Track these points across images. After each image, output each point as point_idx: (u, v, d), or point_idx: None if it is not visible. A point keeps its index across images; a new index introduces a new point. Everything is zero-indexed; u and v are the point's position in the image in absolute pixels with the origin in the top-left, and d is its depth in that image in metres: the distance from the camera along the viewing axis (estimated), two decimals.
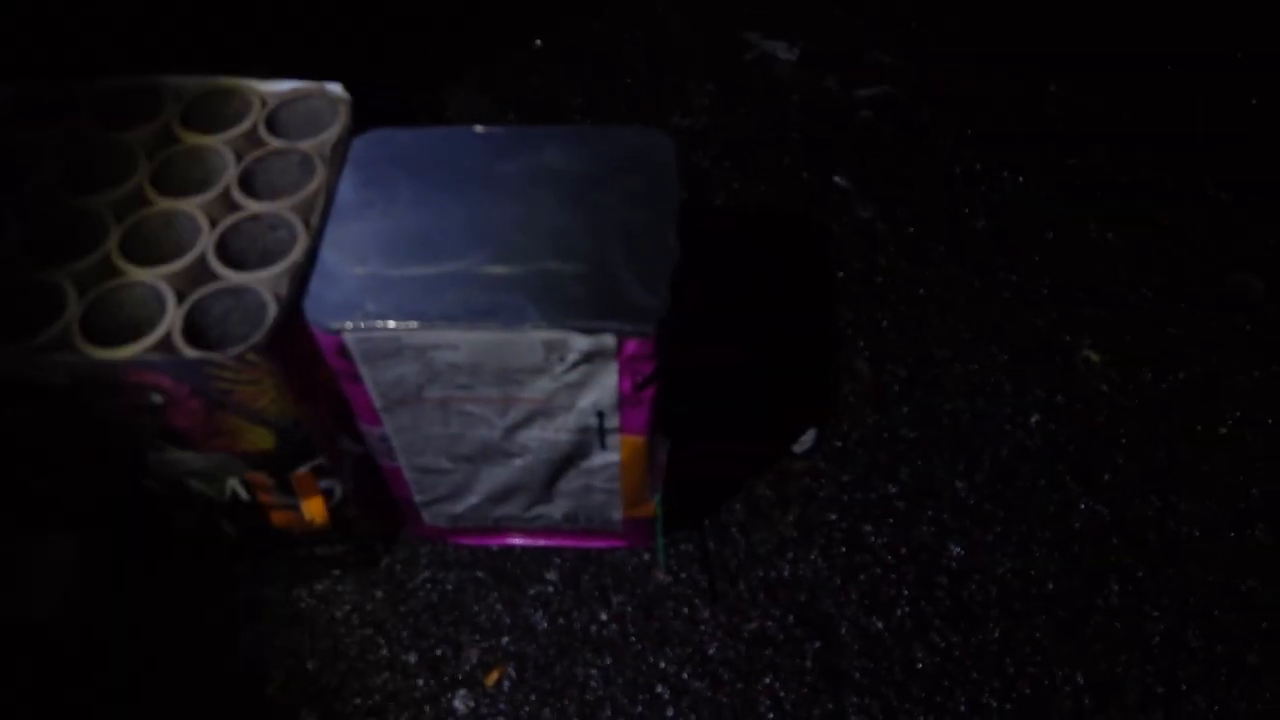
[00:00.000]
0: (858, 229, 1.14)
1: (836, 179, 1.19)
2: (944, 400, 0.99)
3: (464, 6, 1.40)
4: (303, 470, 0.73)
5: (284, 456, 0.71)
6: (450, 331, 0.64)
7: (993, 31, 1.37)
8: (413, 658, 0.84)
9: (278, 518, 0.78)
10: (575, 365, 0.66)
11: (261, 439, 0.69)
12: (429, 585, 0.88)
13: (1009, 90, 1.29)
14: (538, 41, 1.36)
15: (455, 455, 0.77)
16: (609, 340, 0.64)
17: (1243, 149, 1.21)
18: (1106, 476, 0.94)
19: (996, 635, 0.84)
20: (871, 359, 1.02)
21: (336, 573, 0.88)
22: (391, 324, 0.64)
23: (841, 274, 1.10)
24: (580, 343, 0.64)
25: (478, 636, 0.85)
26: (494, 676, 0.83)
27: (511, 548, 0.90)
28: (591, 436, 0.74)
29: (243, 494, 0.75)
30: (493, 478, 0.79)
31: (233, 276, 0.65)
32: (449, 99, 1.29)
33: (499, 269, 0.66)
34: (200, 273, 0.66)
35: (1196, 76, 1.30)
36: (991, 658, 0.83)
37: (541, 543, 0.89)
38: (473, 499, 0.82)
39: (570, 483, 0.80)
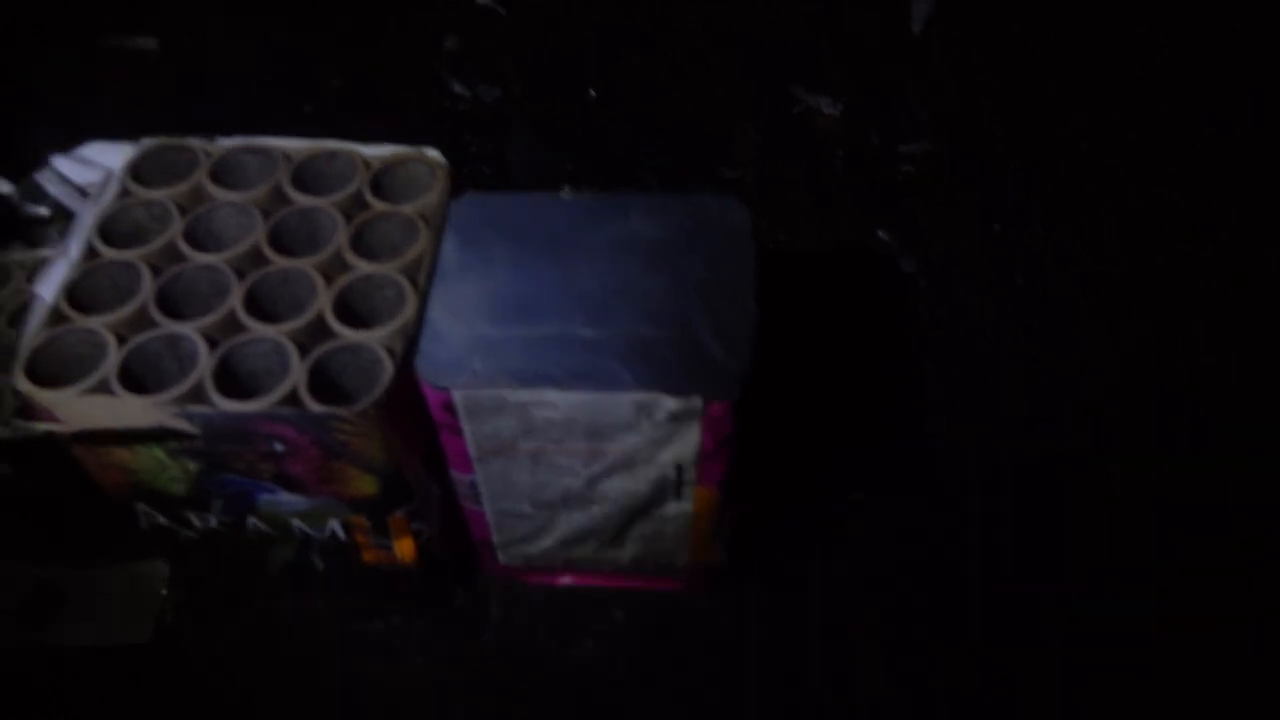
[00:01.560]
0: (901, 283, 1.19)
1: (880, 233, 1.24)
2: (990, 453, 1.04)
3: (521, 57, 1.46)
4: (399, 513, 0.78)
5: (384, 501, 0.76)
6: (551, 391, 0.69)
7: (1030, 90, 1.42)
8: (485, 693, 0.88)
9: (369, 555, 0.83)
10: (661, 424, 0.71)
11: (367, 485, 0.73)
12: (500, 623, 0.93)
13: (1046, 146, 1.34)
14: (592, 92, 1.42)
15: (538, 501, 0.82)
16: (696, 402, 0.69)
17: None
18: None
19: (1061, 670, 0.88)
20: (917, 412, 1.07)
21: (414, 608, 0.92)
22: (497, 383, 0.69)
23: (885, 327, 1.15)
24: (669, 404, 0.69)
25: (544, 672, 0.89)
26: (561, 715, 0.87)
27: (578, 587, 0.95)
28: (668, 487, 0.79)
29: (340, 534, 0.80)
30: (570, 523, 0.84)
31: (350, 334, 0.70)
32: (505, 143, 1.34)
33: (593, 332, 0.71)
34: (318, 329, 0.71)
35: (1235, 128, 1.35)
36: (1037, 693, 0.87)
37: (607, 583, 0.94)
38: (548, 542, 0.87)
39: (642, 529, 0.85)
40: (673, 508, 0.81)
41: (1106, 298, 1.17)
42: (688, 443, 0.73)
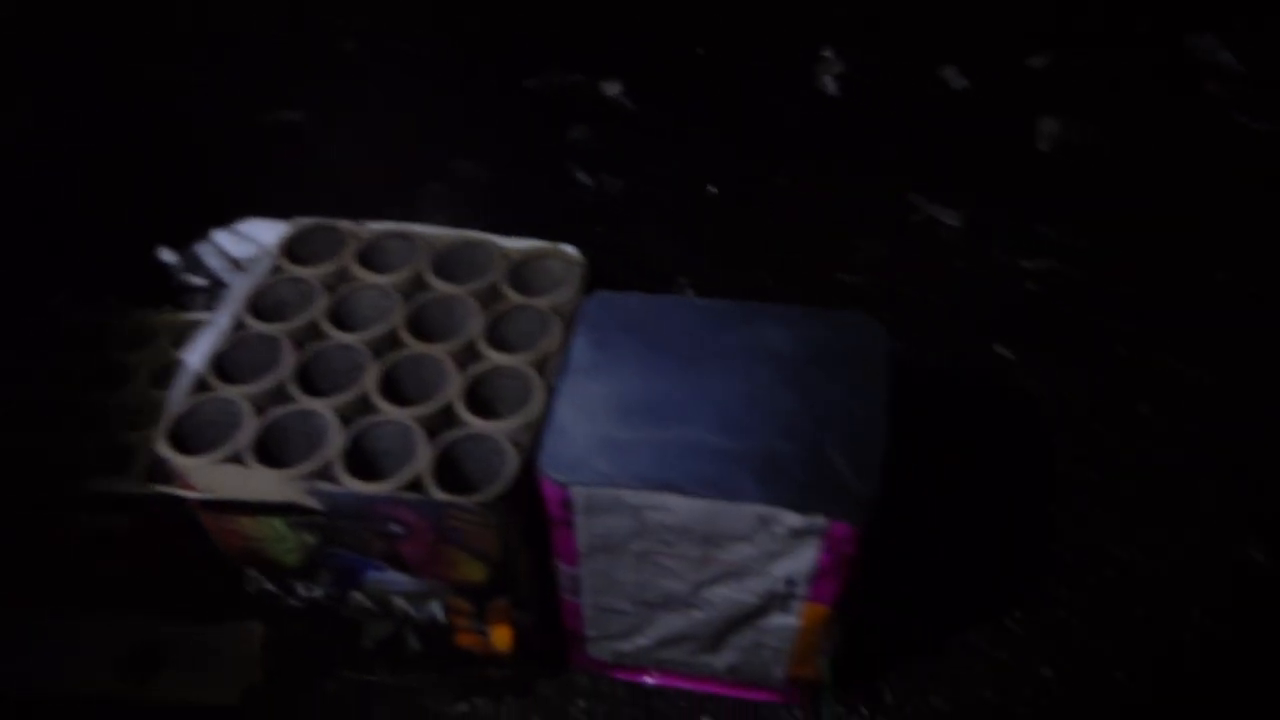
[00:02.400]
0: (1023, 405, 1.16)
1: (999, 349, 1.21)
2: (1110, 589, 0.99)
3: (641, 149, 1.50)
4: (501, 601, 0.77)
5: (489, 588, 0.76)
6: (671, 497, 0.68)
7: (1163, 212, 1.39)
8: None
9: (463, 639, 0.83)
10: (781, 538, 0.70)
11: (475, 572, 0.74)
12: (584, 717, 0.91)
13: (1177, 275, 1.30)
14: (711, 188, 1.44)
15: (638, 600, 0.81)
16: (820, 521, 0.68)
17: None
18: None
19: None
20: (1037, 536, 1.03)
21: (500, 693, 0.91)
22: (619, 484, 0.68)
23: (1003, 451, 1.11)
24: (792, 520, 0.68)
25: None
26: None
27: (667, 689, 0.92)
28: (776, 601, 0.77)
29: (440, 616, 0.80)
30: (668, 624, 0.83)
31: (478, 424, 0.71)
32: (628, 232, 1.37)
33: (720, 441, 0.70)
34: (446, 416, 0.73)
35: None
36: None
37: (697, 688, 0.92)
38: (643, 641, 0.86)
39: (743, 638, 0.82)
40: (778, 619, 0.79)
41: (1239, 430, 1.12)
42: (804, 559, 0.72)
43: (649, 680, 0.92)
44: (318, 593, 0.80)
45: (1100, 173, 1.45)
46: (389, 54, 1.66)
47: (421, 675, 0.92)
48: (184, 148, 1.36)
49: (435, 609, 0.79)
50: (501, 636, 0.82)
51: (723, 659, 0.86)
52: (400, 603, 0.79)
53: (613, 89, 1.60)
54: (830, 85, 1.60)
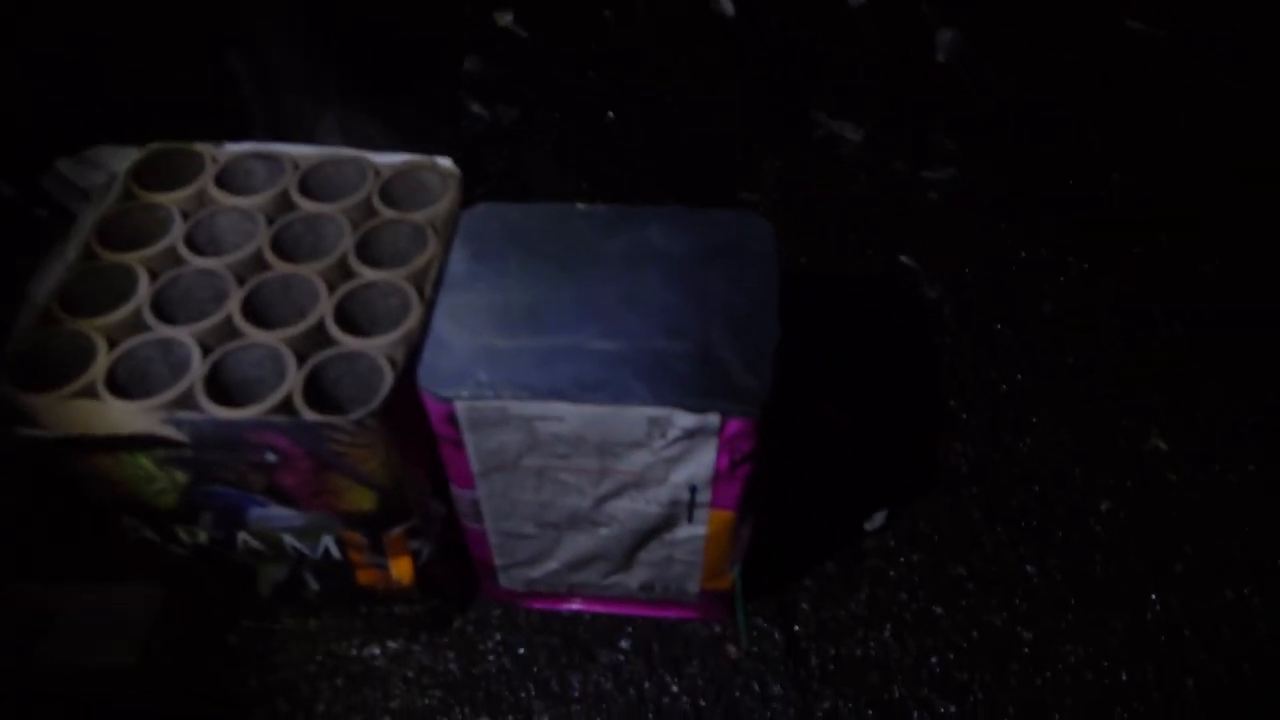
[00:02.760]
0: (925, 309, 1.16)
1: (903, 259, 1.21)
2: (1013, 484, 1.00)
3: (538, 79, 1.45)
4: (396, 531, 0.74)
5: (381, 517, 0.72)
6: (559, 404, 0.66)
7: (1059, 120, 1.39)
8: None
9: (364, 576, 0.80)
10: (675, 441, 0.68)
11: (363, 500, 0.70)
12: (501, 649, 0.89)
13: (1074, 176, 1.31)
14: (610, 114, 1.40)
15: (542, 521, 0.78)
16: (713, 419, 0.66)
17: None
18: (1178, 567, 0.93)
19: None
20: (940, 440, 1.03)
21: (410, 632, 0.88)
22: (502, 395, 0.65)
23: (909, 354, 1.11)
24: (684, 420, 0.66)
25: (548, 703, 0.85)
26: None
27: (583, 614, 0.90)
28: (680, 510, 0.75)
29: (335, 552, 0.76)
30: (576, 545, 0.81)
31: (350, 341, 0.68)
32: (523, 163, 1.33)
33: (606, 344, 0.68)
34: (318, 336, 0.68)
35: (1267, 168, 1.32)
36: None
37: (614, 610, 0.90)
38: (553, 565, 0.83)
39: (652, 553, 0.81)
40: (684, 530, 0.78)
41: (1138, 331, 1.13)
42: (702, 463, 0.70)
43: (565, 607, 0.90)
44: (202, 537, 0.76)
45: (998, 81, 1.45)
46: None
47: (326, 619, 0.88)
48: (22, 70, 1.25)
49: (329, 544, 0.76)
50: (402, 569, 0.79)
51: (635, 577, 0.85)
52: (291, 541, 0.76)
53: (505, 18, 1.54)
54: (728, 6, 1.56)
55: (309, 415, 0.63)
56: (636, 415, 0.66)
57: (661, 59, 1.49)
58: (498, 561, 0.84)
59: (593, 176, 1.32)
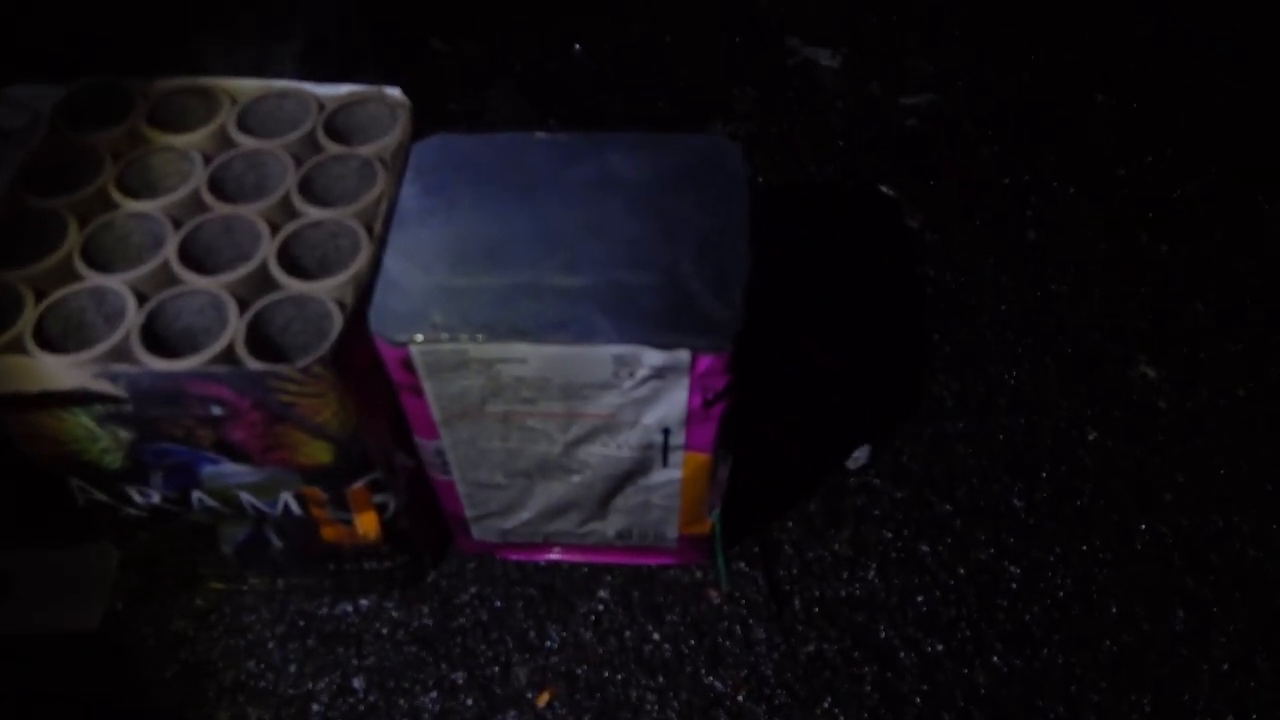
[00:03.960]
0: (906, 239, 1.12)
1: (883, 188, 1.17)
2: (998, 415, 0.97)
3: (502, 9, 1.38)
4: (358, 485, 0.71)
5: (341, 471, 0.69)
6: (519, 345, 0.62)
7: (1039, 40, 1.35)
8: (461, 677, 0.82)
9: (329, 532, 0.77)
10: (645, 380, 0.64)
11: (320, 453, 0.67)
12: (477, 602, 0.86)
13: (1056, 99, 1.27)
14: (577, 46, 1.34)
15: (512, 470, 0.75)
16: (683, 356, 0.62)
17: None
18: (1167, 496, 0.91)
19: (1060, 660, 0.82)
20: (923, 372, 1.00)
21: (383, 588, 0.86)
22: (459, 337, 0.62)
23: (890, 285, 1.08)
24: (652, 358, 0.62)
25: (527, 655, 0.83)
26: (545, 697, 0.80)
27: (561, 563, 0.88)
28: (654, 453, 0.72)
29: (295, 508, 0.73)
30: (548, 493, 0.78)
31: (296, 285, 0.63)
32: (488, 101, 1.27)
33: (569, 279, 0.64)
34: (261, 281, 0.64)
35: (1257, 85, 1.28)
36: (1055, 683, 0.80)
37: (592, 559, 0.87)
38: (526, 514, 0.80)
39: (627, 499, 0.78)
40: (659, 474, 0.75)
41: (1123, 255, 1.10)
42: (675, 403, 0.66)
43: (542, 557, 0.88)
44: (155, 497, 0.73)
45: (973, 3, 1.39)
46: None
47: (294, 578, 0.85)
48: None
49: (288, 500, 0.72)
50: (368, 524, 0.76)
51: (612, 524, 0.82)
52: (249, 498, 0.72)
53: None
54: None
55: (253, 364, 0.59)
56: (602, 354, 0.62)
57: None
58: (469, 513, 0.81)
59: (560, 113, 1.26)
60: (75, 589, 0.87)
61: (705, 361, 0.63)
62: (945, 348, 1.02)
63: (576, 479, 0.75)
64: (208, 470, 0.69)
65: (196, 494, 0.72)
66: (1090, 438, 0.96)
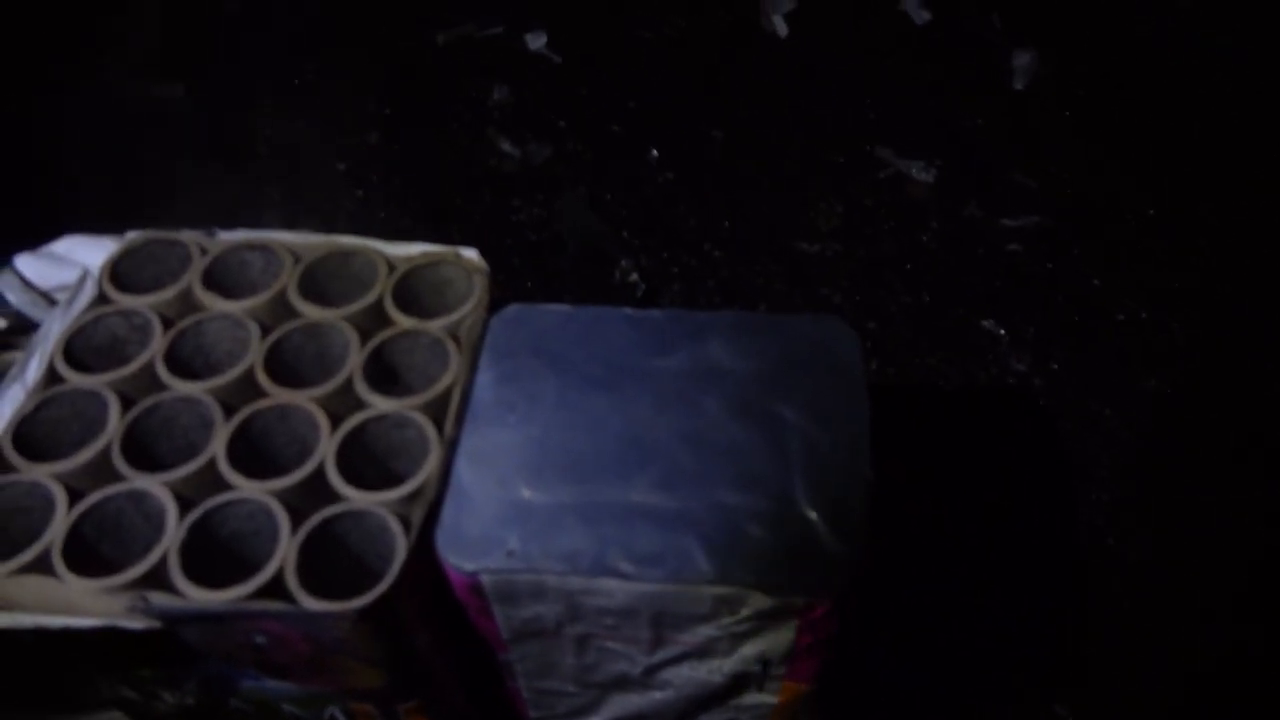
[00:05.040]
0: (1012, 384, 1.02)
1: (985, 323, 1.07)
2: (1120, 598, 0.87)
3: (577, 111, 1.32)
4: (413, 703, 0.63)
5: (394, 692, 0.61)
6: (606, 580, 0.54)
7: (1153, 154, 1.25)
8: None
9: None
10: (747, 619, 0.56)
11: (371, 678, 0.59)
12: None
13: (1178, 220, 1.16)
14: (654, 152, 1.27)
15: (585, 683, 0.66)
16: (795, 601, 0.53)
17: None
18: None
19: None
20: (1039, 550, 0.90)
21: None
22: (537, 568, 0.54)
23: (997, 441, 0.98)
24: (759, 602, 0.54)
25: None
26: None
27: None
28: (749, 681, 0.63)
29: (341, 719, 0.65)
30: (624, 704, 0.69)
31: (356, 497, 0.56)
32: (556, 211, 1.20)
33: (663, 498, 0.56)
34: (318, 486, 0.57)
35: None
36: None
37: None
38: None
39: (713, 716, 0.69)
40: (752, 698, 0.65)
41: (1259, 411, 0.99)
42: (779, 641, 0.57)
43: None
44: (189, 700, 0.65)
45: (1086, 110, 1.30)
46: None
47: None
48: None
49: (335, 713, 0.65)
50: None
51: None
52: (291, 709, 0.64)
53: (537, 42, 1.42)
54: (780, 26, 1.43)
55: (306, 601, 0.52)
56: (702, 594, 0.54)
57: (707, 86, 1.36)
58: (532, 714, 0.73)
59: (632, 224, 1.19)
60: None
61: (820, 608, 0.54)
62: (1057, 518, 0.92)
63: (657, 695, 0.67)
64: (248, 684, 0.62)
65: (234, 701, 0.64)
66: (1232, 634, 0.84)
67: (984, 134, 1.28)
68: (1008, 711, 0.81)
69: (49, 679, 0.70)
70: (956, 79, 1.34)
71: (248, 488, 0.56)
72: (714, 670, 0.62)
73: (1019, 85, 1.33)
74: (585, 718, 0.72)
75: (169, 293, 0.66)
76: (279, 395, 0.61)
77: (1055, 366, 1.03)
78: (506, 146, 1.28)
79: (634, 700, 0.68)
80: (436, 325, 0.64)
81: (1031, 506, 0.93)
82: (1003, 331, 1.07)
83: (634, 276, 1.12)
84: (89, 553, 0.55)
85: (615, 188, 1.24)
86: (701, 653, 0.60)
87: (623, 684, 0.66)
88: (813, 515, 0.55)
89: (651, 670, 0.63)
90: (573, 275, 1.13)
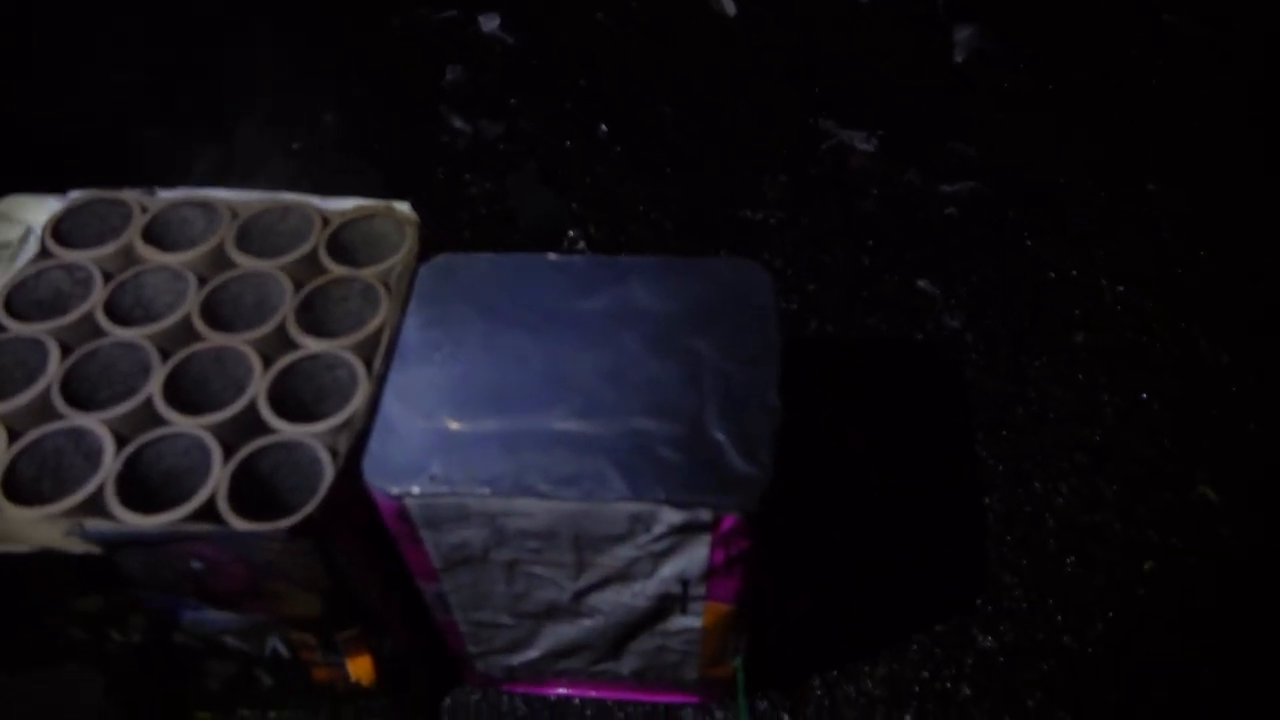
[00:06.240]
0: (945, 340, 1.06)
1: (921, 283, 1.11)
2: (1046, 538, 0.90)
3: (523, 89, 1.35)
4: (351, 631, 0.65)
5: (331, 620, 0.64)
6: (525, 500, 0.57)
7: (1087, 125, 1.29)
8: None
9: (320, 674, 0.71)
10: (662, 537, 0.59)
11: (307, 604, 0.61)
12: None
13: (1107, 189, 1.20)
14: (603, 127, 1.30)
15: (517, 612, 0.69)
16: (704, 515, 0.57)
17: None
18: (1233, 638, 0.84)
19: None
20: (965, 491, 0.94)
21: None
22: (460, 491, 0.56)
23: (928, 391, 1.02)
24: (671, 517, 0.57)
25: None
26: None
27: (571, 699, 0.82)
28: (672, 603, 0.66)
29: (283, 651, 0.68)
30: (557, 635, 0.72)
31: (286, 428, 0.59)
32: (509, 186, 1.23)
33: (581, 426, 0.59)
34: (250, 422, 0.60)
35: None
36: None
37: (605, 695, 0.81)
38: (533, 653, 0.75)
39: (643, 643, 0.72)
40: (678, 622, 0.69)
41: (1180, 364, 1.03)
42: (695, 558, 0.61)
43: (550, 692, 0.82)
44: (135, 636, 0.68)
45: (1021, 79, 1.34)
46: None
47: (288, 711, 0.80)
48: None
49: (276, 645, 0.67)
50: (361, 668, 0.70)
51: (626, 664, 0.76)
52: (233, 641, 0.67)
53: (490, 23, 1.44)
54: (729, 6, 1.46)
55: (235, 522, 0.54)
56: (616, 511, 0.57)
57: (657, 64, 1.39)
58: (471, 649, 0.75)
59: (583, 197, 1.22)
60: (60, 715, 0.82)
61: (729, 521, 0.57)
62: (989, 462, 0.96)
63: (587, 623, 0.70)
64: (189, 616, 0.64)
65: (178, 635, 0.67)
66: (1146, 566, 0.88)
67: (925, 106, 1.32)
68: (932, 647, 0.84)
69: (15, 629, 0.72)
70: (899, 54, 1.38)
71: (183, 423, 0.59)
72: (638, 594, 0.65)
73: (959, 59, 1.37)
74: (522, 651, 0.74)
75: (110, 247, 0.68)
76: (215, 339, 0.63)
77: (987, 322, 1.07)
78: (459, 124, 1.31)
79: (567, 630, 0.71)
80: (369, 272, 0.67)
81: (964, 455, 0.96)
82: (938, 291, 1.10)
83: (581, 245, 1.15)
84: (29, 490, 0.58)
85: (566, 163, 1.27)
86: (623, 576, 0.63)
87: (554, 613, 0.69)
88: (721, 438, 0.58)
89: (579, 596, 0.66)
90: (524, 248, 1.15)
